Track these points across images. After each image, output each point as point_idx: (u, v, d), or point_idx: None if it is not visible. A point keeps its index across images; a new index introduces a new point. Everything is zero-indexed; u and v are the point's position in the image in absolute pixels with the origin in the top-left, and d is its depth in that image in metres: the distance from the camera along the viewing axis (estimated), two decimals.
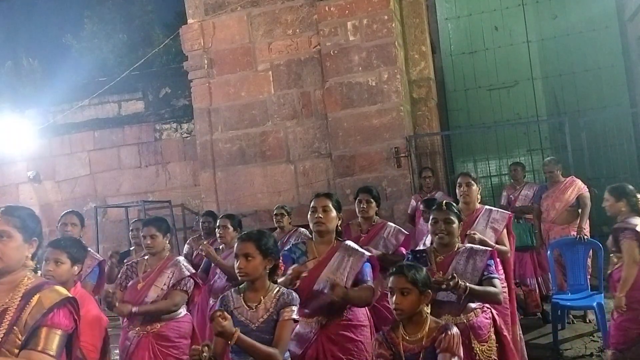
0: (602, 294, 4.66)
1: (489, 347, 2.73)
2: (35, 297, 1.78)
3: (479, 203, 3.84)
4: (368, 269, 2.82)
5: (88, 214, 7.95)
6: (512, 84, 7.79)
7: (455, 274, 2.55)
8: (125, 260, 4.41)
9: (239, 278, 2.44)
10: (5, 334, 1.72)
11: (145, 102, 8.17)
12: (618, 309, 3.50)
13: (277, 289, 2.43)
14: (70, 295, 1.85)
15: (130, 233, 4.81)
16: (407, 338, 2.32)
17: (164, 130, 7.98)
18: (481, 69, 7.88)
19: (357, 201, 3.89)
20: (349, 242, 2.93)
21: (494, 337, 2.77)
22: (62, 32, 10.90)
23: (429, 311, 2.37)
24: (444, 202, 2.94)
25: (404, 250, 3.75)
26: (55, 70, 9.64)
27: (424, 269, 2.42)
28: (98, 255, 4.00)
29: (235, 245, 2.45)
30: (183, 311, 3.36)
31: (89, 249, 3.92)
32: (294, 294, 2.42)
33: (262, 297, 2.38)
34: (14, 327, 1.73)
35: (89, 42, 10.36)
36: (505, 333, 2.86)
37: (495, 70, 7.83)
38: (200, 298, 3.86)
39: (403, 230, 3.93)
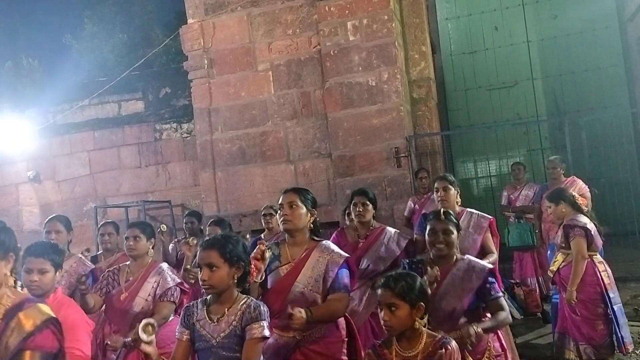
0: None
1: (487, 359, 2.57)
2: (16, 319, 1.67)
3: (459, 206, 3.73)
4: (344, 274, 2.57)
5: (88, 214, 7.99)
6: (512, 84, 7.80)
7: (469, 329, 2.28)
8: (107, 270, 4.28)
9: (203, 291, 2.23)
10: None
11: (145, 102, 8.17)
12: (569, 301, 3.73)
13: (244, 300, 2.20)
14: (53, 316, 1.74)
15: (99, 237, 4.34)
16: (402, 354, 2.12)
17: (164, 130, 7.98)
18: (481, 69, 7.88)
19: (352, 205, 3.66)
20: (326, 243, 2.69)
21: (493, 350, 2.58)
22: (62, 32, 10.91)
23: (424, 324, 2.16)
24: (443, 211, 2.76)
25: None
26: (55, 70, 9.64)
27: (417, 278, 2.21)
28: (89, 262, 3.80)
29: (198, 253, 2.25)
30: (171, 316, 3.22)
31: (80, 256, 3.77)
32: (263, 307, 2.18)
33: (226, 310, 2.17)
34: None
35: (89, 42, 10.36)
36: (505, 346, 2.70)
37: (495, 70, 7.84)
38: (189, 300, 3.67)
39: (404, 235, 3.75)
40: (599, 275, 3.83)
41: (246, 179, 6.94)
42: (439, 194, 3.69)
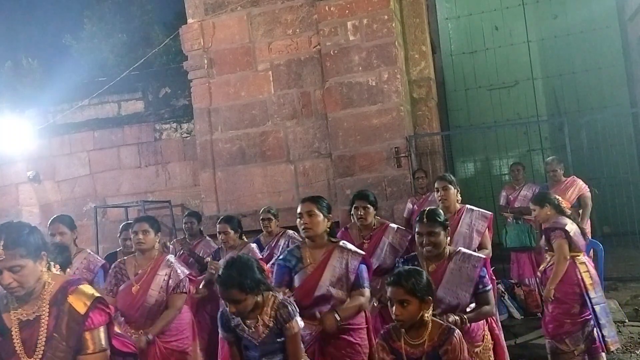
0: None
1: (485, 346, 2.76)
2: (67, 304, 1.92)
3: (460, 203, 3.85)
4: (364, 270, 2.85)
5: (88, 214, 7.99)
6: (512, 83, 7.80)
7: (452, 315, 2.53)
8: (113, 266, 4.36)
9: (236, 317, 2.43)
10: (47, 340, 1.88)
11: (145, 102, 8.16)
12: (547, 299, 3.85)
13: (272, 300, 2.40)
14: (97, 295, 1.97)
15: (121, 241, 4.50)
16: (410, 342, 2.30)
17: (163, 130, 7.97)
18: (481, 69, 7.88)
19: (353, 208, 3.73)
20: (343, 243, 2.93)
21: (489, 336, 2.80)
22: (61, 32, 10.91)
23: (430, 314, 2.32)
24: (427, 212, 2.82)
25: None
26: (55, 70, 9.65)
27: (424, 273, 2.35)
28: (99, 257, 3.91)
29: (219, 288, 2.37)
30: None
31: (89, 251, 3.85)
32: (291, 306, 2.40)
33: (258, 316, 2.37)
34: (54, 334, 1.89)
35: (89, 42, 10.36)
36: (497, 332, 2.92)
37: (495, 70, 7.84)
38: (194, 287, 3.84)
39: (405, 229, 3.83)
40: (579, 276, 3.85)
41: (246, 179, 6.93)
42: (439, 193, 3.82)
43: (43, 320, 1.90)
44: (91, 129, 8.21)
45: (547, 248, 3.97)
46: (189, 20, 7.17)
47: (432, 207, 2.96)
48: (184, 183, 7.85)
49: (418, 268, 2.41)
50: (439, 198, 3.81)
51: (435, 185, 3.89)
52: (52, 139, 8.32)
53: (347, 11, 6.47)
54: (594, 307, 3.82)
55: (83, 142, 8.24)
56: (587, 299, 3.80)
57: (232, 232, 4.18)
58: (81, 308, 1.91)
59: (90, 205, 8.01)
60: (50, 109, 8.35)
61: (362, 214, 3.66)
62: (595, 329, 3.79)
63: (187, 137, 7.82)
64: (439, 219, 2.78)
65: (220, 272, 2.35)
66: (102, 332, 1.96)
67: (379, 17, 6.38)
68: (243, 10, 6.94)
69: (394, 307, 2.26)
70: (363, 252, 2.93)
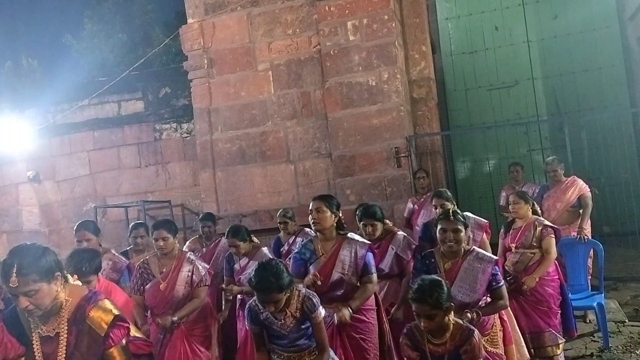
0: (602, 294, 4.66)
1: (493, 333, 2.99)
2: (87, 325, 1.99)
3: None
4: (371, 258, 3.21)
5: (88, 214, 7.98)
6: (512, 83, 7.79)
7: (467, 313, 2.77)
8: (137, 266, 4.38)
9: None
10: (67, 357, 1.97)
11: (145, 102, 8.16)
12: (530, 286, 3.97)
13: (297, 294, 2.68)
14: (116, 313, 2.05)
15: (131, 240, 4.57)
16: (433, 341, 2.49)
17: (163, 130, 7.98)
18: (481, 69, 7.87)
19: (361, 224, 3.83)
20: (351, 235, 3.26)
21: (498, 324, 3.03)
22: (62, 32, 10.91)
23: (452, 317, 2.48)
24: (451, 211, 3.10)
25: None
26: (55, 70, 9.64)
27: (444, 284, 2.48)
28: (124, 258, 4.03)
29: (257, 294, 2.63)
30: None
31: (114, 252, 4.01)
32: (315, 298, 2.69)
33: (286, 309, 2.64)
34: (75, 352, 1.98)
35: (89, 42, 10.36)
36: (507, 321, 3.13)
37: (495, 70, 7.83)
38: (211, 278, 3.99)
39: (412, 241, 3.93)
40: (559, 269, 4.16)
41: (246, 179, 6.93)
42: (437, 210, 4.07)
43: (62, 338, 1.98)
44: (91, 129, 8.21)
45: (534, 244, 4.09)
46: (189, 20, 7.17)
47: (456, 208, 3.37)
48: (184, 183, 7.85)
49: (437, 279, 2.54)
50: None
51: (433, 202, 4.18)
52: (52, 139, 8.32)
53: (347, 11, 6.47)
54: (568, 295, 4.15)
55: (83, 142, 8.24)
56: (565, 288, 4.13)
57: (241, 243, 4.23)
58: (101, 329, 1.99)
59: (90, 205, 8.01)
60: (50, 109, 8.35)
61: (370, 230, 3.79)
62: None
63: (187, 137, 7.82)
64: (462, 219, 3.05)
65: (255, 280, 2.58)
66: (126, 345, 2.08)
67: (379, 17, 6.38)
68: (243, 10, 6.94)
69: (421, 320, 2.44)
70: (369, 242, 3.27)
